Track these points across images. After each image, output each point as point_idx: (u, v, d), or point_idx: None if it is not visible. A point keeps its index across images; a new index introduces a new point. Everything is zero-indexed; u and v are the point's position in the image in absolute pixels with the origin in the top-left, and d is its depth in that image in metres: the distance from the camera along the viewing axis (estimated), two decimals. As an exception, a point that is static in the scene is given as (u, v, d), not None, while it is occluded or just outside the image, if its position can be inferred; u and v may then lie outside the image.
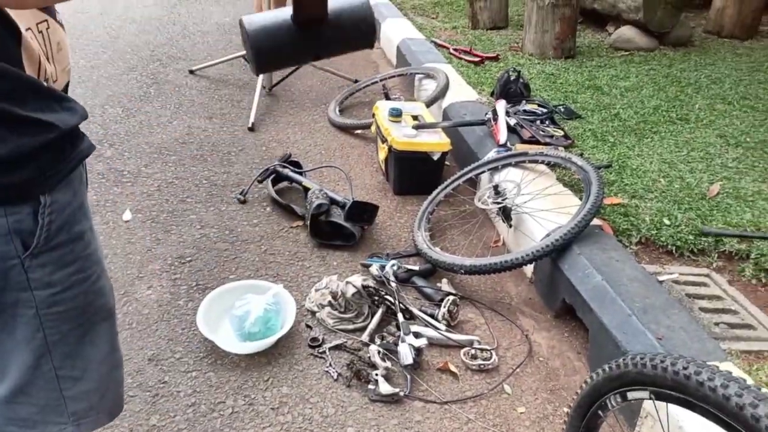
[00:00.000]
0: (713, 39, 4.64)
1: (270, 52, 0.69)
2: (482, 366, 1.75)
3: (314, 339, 1.82)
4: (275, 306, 1.85)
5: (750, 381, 0.92)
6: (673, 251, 2.09)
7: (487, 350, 1.79)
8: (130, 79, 3.77)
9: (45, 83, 0.72)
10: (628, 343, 1.57)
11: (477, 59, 3.99)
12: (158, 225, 2.35)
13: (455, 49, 4.15)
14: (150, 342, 1.78)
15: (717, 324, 1.79)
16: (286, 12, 0.70)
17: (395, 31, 4.54)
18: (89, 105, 3.31)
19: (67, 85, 0.83)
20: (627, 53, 4.23)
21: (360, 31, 0.72)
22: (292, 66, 0.75)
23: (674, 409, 1.33)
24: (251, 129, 3.21)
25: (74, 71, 3.66)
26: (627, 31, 4.34)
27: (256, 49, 0.69)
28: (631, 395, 1.07)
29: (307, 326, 1.88)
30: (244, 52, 3.62)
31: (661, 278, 1.94)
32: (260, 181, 2.63)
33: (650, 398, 1.03)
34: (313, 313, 1.93)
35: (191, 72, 3.96)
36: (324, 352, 1.77)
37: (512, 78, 3.18)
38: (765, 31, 4.78)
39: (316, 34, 0.70)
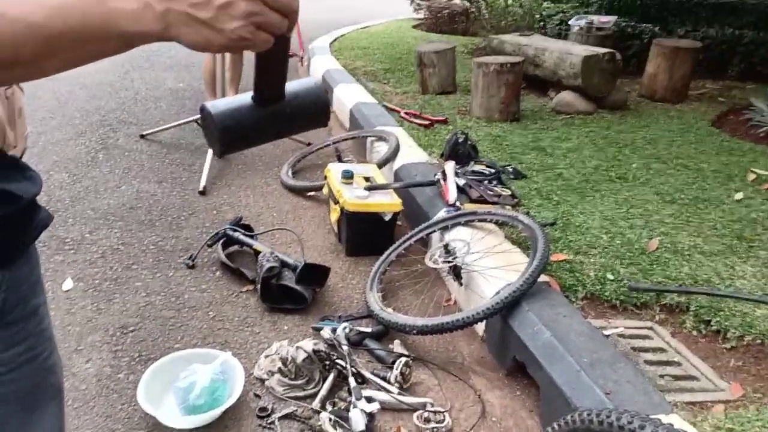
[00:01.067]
0: (647, 102, 4.94)
1: (235, 131, 0.74)
2: (435, 429, 1.72)
3: (263, 409, 1.76)
4: (222, 375, 1.78)
5: (690, 433, 0.94)
6: (617, 305, 2.14)
7: (441, 412, 1.77)
8: (77, 145, 3.72)
9: (6, 151, 0.70)
10: (577, 399, 1.58)
11: (427, 122, 4.12)
12: (101, 293, 2.27)
13: (406, 113, 4.28)
14: (86, 420, 1.68)
15: (662, 376, 1.82)
16: (245, 96, 0.76)
17: (348, 95, 4.67)
18: (33, 171, 3.23)
19: (23, 152, 0.81)
20: (568, 116, 4.45)
21: (315, 111, 0.79)
22: (255, 146, 0.79)
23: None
24: (202, 192, 3.19)
25: (19, 137, 3.59)
26: (567, 96, 4.59)
27: (222, 128, 0.73)
28: (578, 453, 1.07)
29: (256, 395, 1.82)
30: (197, 116, 3.65)
31: (606, 332, 1.98)
32: (210, 245, 2.59)
33: (597, 456, 1.03)
34: (263, 381, 1.88)
35: (142, 137, 3.93)
36: (273, 422, 1.71)
37: (460, 140, 3.29)
38: (693, 95, 5.13)
39: (276, 115, 0.75)
